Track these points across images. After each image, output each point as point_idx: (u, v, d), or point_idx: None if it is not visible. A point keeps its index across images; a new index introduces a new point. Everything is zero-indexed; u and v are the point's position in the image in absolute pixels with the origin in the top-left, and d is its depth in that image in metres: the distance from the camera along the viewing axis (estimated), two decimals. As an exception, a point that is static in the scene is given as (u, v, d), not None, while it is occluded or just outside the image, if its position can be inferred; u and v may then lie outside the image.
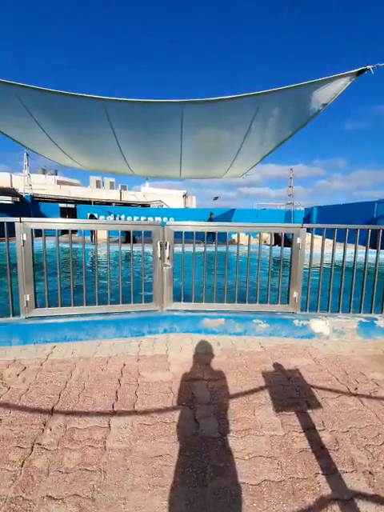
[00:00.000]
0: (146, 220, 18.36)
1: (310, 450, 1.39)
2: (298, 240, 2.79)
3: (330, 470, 1.28)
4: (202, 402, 1.73)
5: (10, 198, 17.35)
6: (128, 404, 1.71)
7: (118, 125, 6.04)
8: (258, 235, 2.93)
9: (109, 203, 24.15)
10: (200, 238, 2.81)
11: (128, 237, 2.79)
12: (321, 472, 1.27)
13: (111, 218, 18.99)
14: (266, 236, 11.53)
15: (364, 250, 2.87)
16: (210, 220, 14.83)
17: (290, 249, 2.87)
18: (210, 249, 2.89)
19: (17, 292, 2.57)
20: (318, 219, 17.73)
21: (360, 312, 2.88)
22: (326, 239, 2.90)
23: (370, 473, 1.27)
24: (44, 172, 28.91)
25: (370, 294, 2.84)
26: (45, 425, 1.53)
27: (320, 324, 2.74)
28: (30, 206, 17.42)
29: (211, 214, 15.91)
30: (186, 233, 2.84)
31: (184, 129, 6.06)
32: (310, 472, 1.27)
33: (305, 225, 2.80)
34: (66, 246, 2.78)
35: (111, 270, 2.89)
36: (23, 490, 1.17)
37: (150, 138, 6.82)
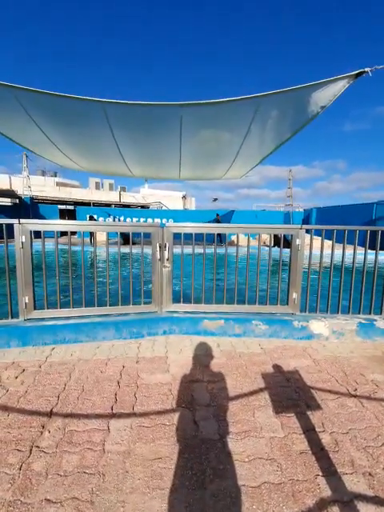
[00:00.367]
0: (146, 221, 18.37)
1: (310, 452, 1.39)
2: (297, 241, 2.79)
3: (329, 472, 1.28)
4: (202, 404, 1.73)
5: (9, 200, 17.34)
6: (127, 406, 1.70)
7: (117, 126, 6.05)
8: (257, 236, 2.94)
9: (108, 205, 24.15)
10: (199, 239, 2.81)
11: (126, 239, 2.79)
12: (321, 474, 1.27)
13: (110, 219, 19.00)
14: (265, 237, 11.56)
15: (363, 251, 2.88)
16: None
17: (289, 250, 2.88)
18: (210, 250, 2.89)
19: (16, 294, 2.57)
20: (317, 220, 17.77)
21: (359, 313, 2.88)
22: (326, 240, 2.90)
23: (369, 474, 1.27)
24: (43, 174, 28.92)
25: (370, 295, 2.84)
26: (43, 427, 1.52)
27: (319, 325, 2.74)
28: (29, 207, 17.41)
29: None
30: (185, 234, 2.84)
31: (183, 130, 6.08)
32: (310, 474, 1.27)
33: (304, 226, 2.80)
34: (66, 247, 2.77)
35: (110, 271, 2.89)
36: (22, 493, 1.16)
37: (149, 140, 6.83)
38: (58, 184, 27.04)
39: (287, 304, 2.88)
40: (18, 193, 18.06)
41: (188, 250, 2.84)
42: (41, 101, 5.05)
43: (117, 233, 2.74)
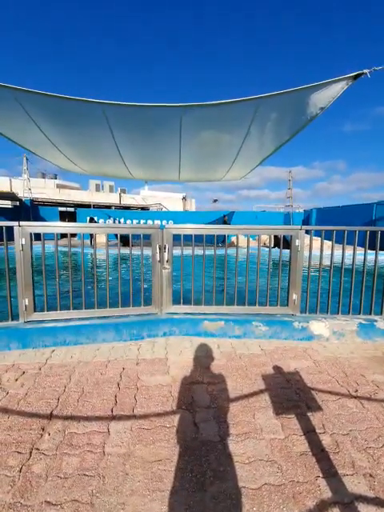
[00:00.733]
0: (146, 223, 18.39)
1: (311, 453, 1.39)
2: (297, 242, 2.80)
3: (330, 473, 1.28)
4: (202, 406, 1.73)
5: (9, 202, 17.38)
6: (127, 408, 1.70)
7: (117, 128, 6.07)
8: (257, 237, 2.94)
9: (108, 207, 24.18)
10: (199, 240, 2.81)
11: (124, 240, 2.78)
12: (321, 475, 1.27)
13: (111, 221, 19.02)
14: (265, 238, 11.55)
15: (363, 252, 2.88)
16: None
17: (289, 251, 2.88)
18: (210, 251, 2.89)
19: (15, 296, 2.57)
20: (317, 221, 17.77)
21: (359, 313, 2.87)
22: (326, 241, 2.90)
23: (370, 475, 1.26)
24: (43, 176, 29.00)
25: (370, 295, 2.84)
26: (43, 430, 1.52)
27: (320, 326, 2.73)
28: (29, 209, 17.44)
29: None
30: (185, 235, 2.84)
31: (183, 132, 6.09)
32: (311, 475, 1.27)
33: (303, 227, 2.80)
34: (66, 249, 2.78)
35: (110, 273, 2.89)
36: (22, 495, 1.16)
37: (149, 141, 6.85)
38: (58, 186, 27.11)
39: (287, 305, 2.87)
40: (19, 195, 18.09)
41: (188, 251, 2.84)
42: (41, 102, 5.06)
43: (115, 235, 2.74)
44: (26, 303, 2.58)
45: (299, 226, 2.82)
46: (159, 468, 1.30)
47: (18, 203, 17.49)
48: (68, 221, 20.55)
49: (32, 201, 18.14)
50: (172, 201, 28.51)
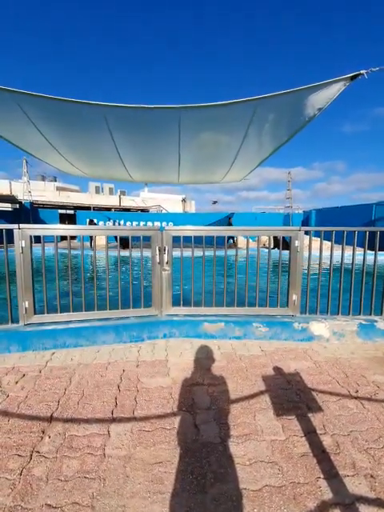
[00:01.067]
0: (146, 225, 18.40)
1: (311, 455, 1.38)
2: (296, 243, 2.80)
3: (331, 474, 1.27)
4: (202, 408, 1.72)
5: (9, 205, 17.40)
6: (127, 410, 1.70)
7: (116, 131, 6.09)
8: (256, 238, 2.94)
9: (108, 209, 24.21)
10: (199, 242, 2.82)
11: (124, 243, 2.78)
12: (322, 476, 1.26)
13: (110, 223, 19.03)
14: (264, 239, 11.56)
15: (362, 252, 2.88)
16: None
17: (288, 252, 2.88)
18: (209, 253, 2.90)
19: (16, 299, 2.57)
20: (317, 222, 17.79)
21: (360, 314, 2.87)
22: (325, 241, 2.91)
23: (371, 476, 1.26)
24: (43, 178, 29.05)
25: (370, 295, 2.84)
26: (44, 432, 1.52)
27: (320, 326, 2.73)
28: (29, 212, 17.46)
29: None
30: (185, 237, 2.84)
31: (182, 134, 6.11)
32: (312, 476, 1.26)
33: (303, 228, 2.81)
34: (65, 251, 2.78)
35: (110, 275, 2.89)
36: (22, 498, 1.15)
37: (148, 144, 6.87)
38: (57, 189, 27.15)
39: (287, 306, 2.87)
40: (19, 198, 18.12)
41: (188, 252, 2.85)
42: (41, 105, 5.08)
43: (114, 238, 2.74)
44: (26, 306, 2.58)
45: (298, 227, 2.83)
46: (160, 470, 1.30)
47: (17, 206, 17.50)
48: (68, 223, 20.57)
49: (32, 203, 18.16)
50: (172, 202, 28.54)
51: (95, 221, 17.35)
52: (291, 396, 1.85)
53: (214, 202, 30.42)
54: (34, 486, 1.21)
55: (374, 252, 2.87)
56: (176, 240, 2.82)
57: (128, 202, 27.82)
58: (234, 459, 1.36)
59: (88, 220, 16.11)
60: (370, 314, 2.86)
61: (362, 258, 2.88)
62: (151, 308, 2.85)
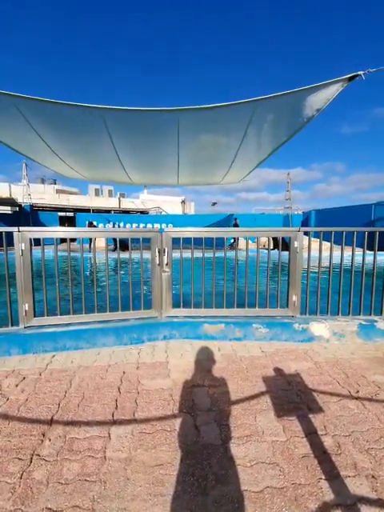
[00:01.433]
0: (145, 227, 18.42)
1: (312, 455, 1.38)
2: (296, 243, 2.80)
3: (332, 475, 1.27)
4: (203, 409, 1.72)
5: (9, 208, 17.42)
6: (128, 412, 1.69)
7: (115, 133, 6.11)
8: (256, 239, 2.94)
9: (107, 211, 24.23)
10: (198, 243, 2.82)
11: (122, 245, 2.77)
12: (323, 477, 1.26)
13: (110, 225, 19.05)
14: (264, 240, 11.56)
15: (361, 252, 2.88)
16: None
17: (288, 252, 2.88)
18: (209, 254, 2.90)
19: (15, 301, 2.57)
20: (317, 222, 17.82)
21: (360, 314, 2.87)
22: (325, 242, 2.91)
23: (372, 477, 1.26)
24: (43, 181, 29.10)
25: (369, 295, 2.84)
26: (44, 435, 1.51)
27: (320, 327, 2.73)
28: (29, 215, 17.48)
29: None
30: (185, 238, 2.84)
31: (180, 136, 6.13)
32: (313, 477, 1.26)
33: (302, 228, 2.81)
34: (65, 254, 2.78)
35: (110, 277, 2.89)
36: (22, 502, 1.15)
37: (147, 146, 6.89)
38: (57, 191, 27.19)
39: (287, 306, 2.87)
40: (18, 201, 18.14)
41: (187, 254, 2.85)
42: (40, 108, 5.10)
43: (112, 240, 2.74)
44: (26, 308, 2.57)
45: (297, 228, 2.83)
46: (160, 472, 1.29)
47: (17, 209, 17.52)
48: (68, 225, 20.58)
49: (31, 206, 18.18)
50: (171, 204, 28.57)
51: (95, 223, 17.35)
52: (292, 397, 1.84)
53: (214, 204, 30.47)
54: (35, 490, 1.20)
55: (373, 252, 2.88)
56: (176, 241, 2.82)
57: (127, 204, 27.85)
58: (235, 461, 1.35)
59: (87, 222, 16.09)
60: (370, 314, 2.86)
61: (362, 258, 2.88)
62: (151, 310, 2.85)
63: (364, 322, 2.75)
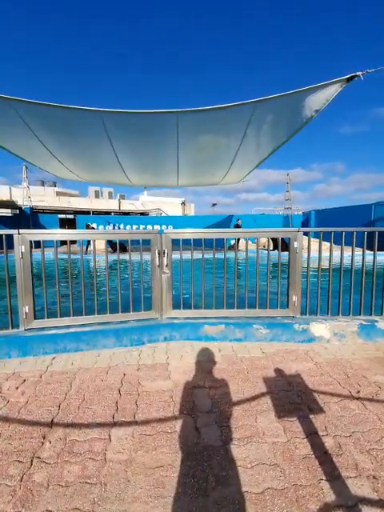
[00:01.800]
0: (145, 228, 18.43)
1: (313, 456, 1.38)
2: (295, 244, 2.80)
3: (333, 476, 1.27)
4: (204, 411, 1.72)
5: (9, 211, 17.45)
6: (128, 414, 1.69)
7: (115, 136, 6.13)
8: (256, 240, 2.95)
9: (108, 213, 24.26)
10: (198, 244, 2.82)
11: (123, 247, 2.77)
12: (324, 478, 1.26)
13: (110, 227, 19.06)
14: (264, 241, 11.56)
15: (361, 252, 2.88)
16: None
17: (287, 253, 2.88)
18: (209, 255, 2.90)
19: (16, 304, 2.57)
20: (316, 223, 17.82)
21: (360, 314, 2.87)
22: (325, 242, 2.91)
23: (374, 477, 1.25)
24: (43, 184, 29.16)
25: (370, 295, 2.84)
26: (44, 438, 1.51)
27: (320, 327, 2.73)
28: (29, 217, 17.50)
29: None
30: (185, 240, 2.84)
31: (180, 137, 6.15)
32: (314, 478, 1.26)
33: (301, 229, 2.81)
34: (65, 256, 2.79)
35: (110, 279, 2.90)
36: (22, 505, 1.15)
37: (146, 148, 6.91)
38: (57, 193, 27.24)
39: (287, 307, 2.87)
40: (19, 203, 18.17)
41: (187, 255, 2.85)
42: (39, 112, 5.12)
43: (109, 242, 2.74)
44: (26, 311, 2.58)
45: (297, 228, 2.83)
46: (161, 474, 1.29)
47: (17, 211, 17.55)
48: (68, 228, 20.60)
49: (32, 209, 18.21)
50: (171, 206, 28.60)
51: (94, 225, 17.36)
52: (292, 397, 1.84)
53: (214, 205, 30.50)
54: (35, 492, 1.20)
55: (372, 252, 2.87)
56: (175, 243, 2.82)
57: (127, 205, 27.89)
58: (235, 462, 1.35)
59: (86, 224, 16.05)
60: (371, 314, 2.86)
61: (361, 258, 2.88)
62: (151, 311, 2.85)
63: (364, 322, 2.75)
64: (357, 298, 2.86)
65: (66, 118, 5.37)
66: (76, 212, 21.92)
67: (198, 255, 2.91)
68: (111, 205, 27.21)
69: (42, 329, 2.61)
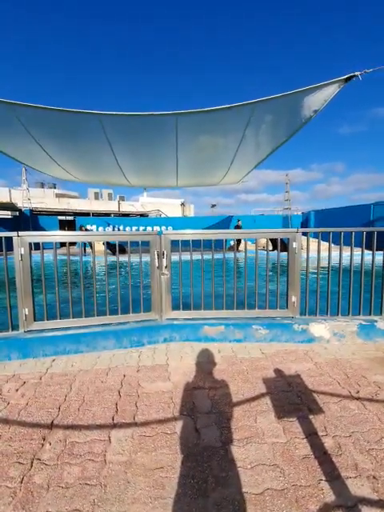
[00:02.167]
0: (145, 229, 18.45)
1: (313, 457, 1.38)
2: (294, 244, 2.81)
3: (333, 476, 1.27)
4: (203, 411, 1.72)
5: (9, 213, 17.46)
6: (128, 416, 1.69)
7: (113, 138, 6.14)
8: (255, 241, 2.95)
9: (107, 214, 24.28)
10: (197, 245, 2.83)
11: (120, 248, 2.77)
12: (324, 478, 1.26)
13: (110, 228, 19.08)
14: (263, 241, 11.56)
15: (360, 252, 2.88)
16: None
17: (287, 253, 2.88)
18: (208, 256, 2.91)
19: (16, 306, 2.57)
20: (316, 223, 17.84)
21: (359, 314, 2.87)
22: (324, 243, 2.92)
23: (373, 477, 1.26)
24: (42, 186, 29.19)
25: (369, 295, 2.84)
26: (44, 439, 1.51)
27: (320, 328, 2.73)
28: (29, 219, 17.52)
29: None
30: (184, 241, 2.85)
31: (179, 138, 6.16)
32: (314, 479, 1.26)
33: (300, 229, 2.82)
34: (65, 258, 2.79)
35: (109, 280, 2.90)
36: (23, 506, 1.15)
37: (146, 149, 6.92)
38: (57, 195, 27.27)
39: (287, 307, 2.87)
40: (18, 205, 18.19)
41: (187, 256, 2.85)
42: (39, 117, 5.13)
43: (108, 244, 2.74)
44: (26, 313, 2.58)
45: (296, 229, 2.84)
46: (161, 475, 1.29)
47: (17, 213, 17.56)
48: (68, 229, 20.62)
49: (31, 210, 18.23)
50: (171, 207, 28.63)
51: (90, 227, 17.36)
52: (292, 398, 1.84)
53: (213, 206, 30.55)
54: (35, 494, 1.20)
55: (371, 252, 2.88)
56: (175, 244, 2.83)
57: (127, 207, 27.92)
58: (235, 463, 1.35)
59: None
60: (370, 314, 2.86)
61: (360, 258, 2.88)
62: (151, 312, 2.85)
63: (364, 322, 2.75)
64: (356, 297, 2.86)
65: (65, 121, 5.38)
66: (76, 213, 21.94)
67: (197, 256, 2.92)
68: (111, 206, 27.24)
69: (42, 331, 2.61)
